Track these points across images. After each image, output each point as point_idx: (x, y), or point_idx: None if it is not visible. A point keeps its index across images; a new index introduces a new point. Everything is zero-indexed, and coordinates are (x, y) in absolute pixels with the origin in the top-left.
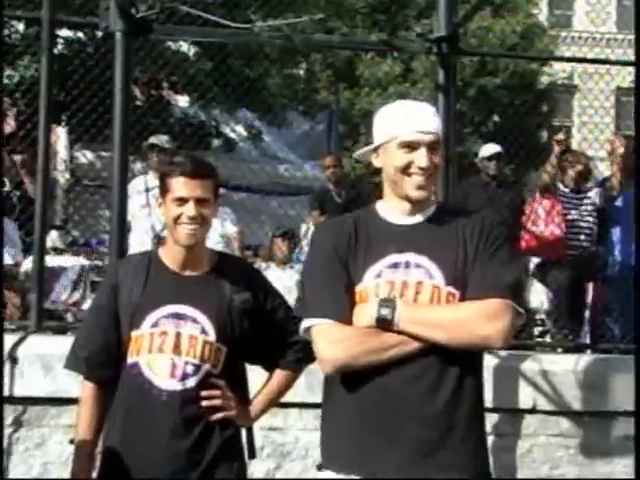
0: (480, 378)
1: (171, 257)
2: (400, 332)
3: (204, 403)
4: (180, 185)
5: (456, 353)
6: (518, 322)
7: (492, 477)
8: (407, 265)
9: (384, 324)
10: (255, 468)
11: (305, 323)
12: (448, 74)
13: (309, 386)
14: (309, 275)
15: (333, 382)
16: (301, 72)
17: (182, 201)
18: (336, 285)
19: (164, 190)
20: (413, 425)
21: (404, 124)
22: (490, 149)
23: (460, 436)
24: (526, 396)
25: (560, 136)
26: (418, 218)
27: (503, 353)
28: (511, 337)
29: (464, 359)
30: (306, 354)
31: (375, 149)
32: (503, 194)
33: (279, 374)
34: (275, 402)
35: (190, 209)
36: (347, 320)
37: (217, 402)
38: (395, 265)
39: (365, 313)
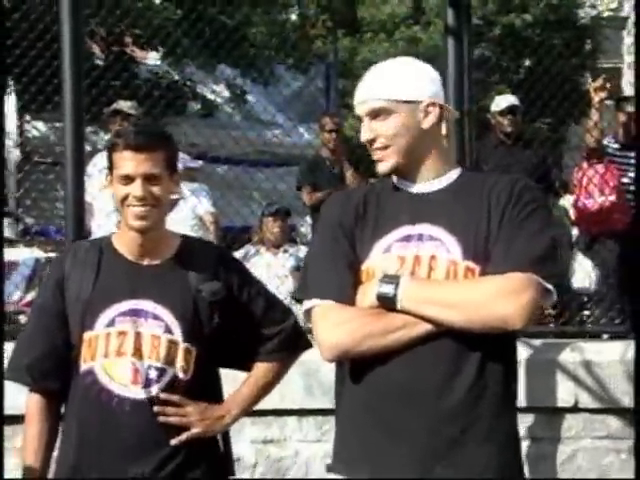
0: (509, 365)
1: (126, 244)
2: (407, 313)
3: (161, 419)
4: (125, 161)
5: (475, 336)
6: (547, 301)
7: None
8: (420, 238)
9: (386, 303)
10: None
11: (305, 305)
12: (459, 13)
13: (308, 390)
14: (311, 254)
15: (342, 376)
16: (293, 17)
17: (128, 179)
18: (338, 263)
19: (110, 167)
20: (425, 422)
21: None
22: (503, 101)
23: (482, 433)
24: (566, 392)
25: (599, 82)
26: (436, 185)
27: (537, 342)
28: (533, 317)
29: (486, 343)
30: (294, 342)
31: None
32: (527, 156)
33: (260, 367)
34: (257, 400)
35: (137, 188)
36: (350, 301)
37: (173, 420)
38: (407, 238)
39: (368, 292)
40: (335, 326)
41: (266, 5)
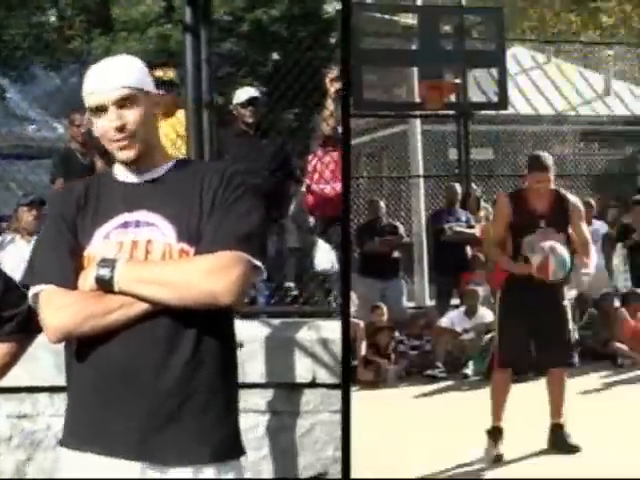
0: (226, 341)
1: None
2: (125, 294)
3: None
4: None
5: (191, 313)
6: (257, 277)
7: (244, 452)
8: (137, 224)
9: (104, 286)
10: (4, 460)
11: (32, 290)
12: (196, 11)
13: (58, 369)
14: (37, 243)
15: (70, 355)
16: (52, 19)
17: None
18: (61, 250)
19: None
20: (145, 401)
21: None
22: (243, 94)
23: (198, 407)
24: (304, 369)
25: (333, 73)
26: (152, 175)
27: (276, 321)
28: (244, 292)
29: (201, 319)
30: (29, 325)
31: None
32: (265, 145)
33: None
34: None
35: None
36: (72, 286)
37: None
38: (125, 225)
39: (88, 276)
40: (57, 310)
41: (20, 8)
